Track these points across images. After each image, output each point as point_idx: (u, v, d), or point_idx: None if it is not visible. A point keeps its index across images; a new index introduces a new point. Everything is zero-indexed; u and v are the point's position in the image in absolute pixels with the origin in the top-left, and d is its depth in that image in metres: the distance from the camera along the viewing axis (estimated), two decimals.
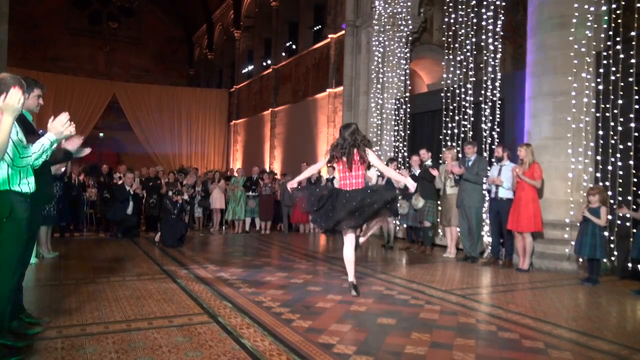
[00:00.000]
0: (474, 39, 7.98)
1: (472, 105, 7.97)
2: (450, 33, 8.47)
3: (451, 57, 8.59)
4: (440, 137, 8.52)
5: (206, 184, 11.23)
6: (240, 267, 6.01)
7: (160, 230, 8.14)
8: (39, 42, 22.04)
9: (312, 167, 4.99)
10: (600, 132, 6.13)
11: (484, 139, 7.56)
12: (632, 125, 5.84)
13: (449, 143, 8.26)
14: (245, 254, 7.30)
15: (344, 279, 5.34)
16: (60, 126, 2.86)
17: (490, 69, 7.58)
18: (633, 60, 5.84)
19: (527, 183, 6.10)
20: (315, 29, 15.46)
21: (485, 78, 7.66)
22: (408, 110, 9.66)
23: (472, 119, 7.96)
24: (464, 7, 8.16)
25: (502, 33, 7.55)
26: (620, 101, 5.94)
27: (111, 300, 4.20)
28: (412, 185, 4.38)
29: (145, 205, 10.22)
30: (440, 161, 7.85)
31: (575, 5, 6.25)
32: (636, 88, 5.83)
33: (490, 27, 7.59)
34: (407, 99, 9.78)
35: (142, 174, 10.93)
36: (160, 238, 7.94)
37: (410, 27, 10.09)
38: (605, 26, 6.26)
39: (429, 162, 7.68)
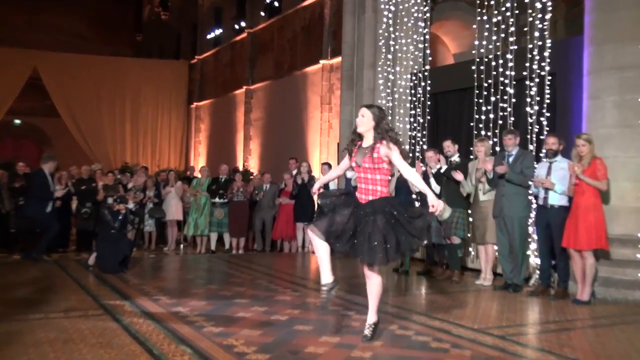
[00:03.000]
0: None
1: (514, 82, 7.96)
2: None
3: (485, 18, 8.58)
4: (471, 124, 8.46)
5: (158, 188, 11.17)
6: (203, 299, 6.04)
7: (96, 250, 8.16)
8: None
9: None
10: None
11: (529, 127, 7.55)
12: None
13: (482, 132, 8.18)
14: (210, 281, 7.34)
15: (344, 314, 5.35)
16: None
17: (537, 34, 7.59)
18: None
19: (588, 185, 6.08)
20: None
21: (530, 46, 7.64)
22: (428, 88, 9.60)
23: (513, 100, 7.94)
24: None
25: None
26: None
27: (29, 345, 4.16)
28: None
29: (77, 216, 10.12)
30: (472, 156, 7.82)
31: None
32: None
33: None
34: (426, 73, 9.70)
35: (73, 175, 10.81)
36: (95, 261, 7.95)
37: None
38: None
39: (455, 158, 7.64)
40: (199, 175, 11.06)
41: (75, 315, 5.14)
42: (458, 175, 7.34)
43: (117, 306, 5.56)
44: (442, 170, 7.62)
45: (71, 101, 19.66)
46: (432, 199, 4.24)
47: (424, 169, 7.93)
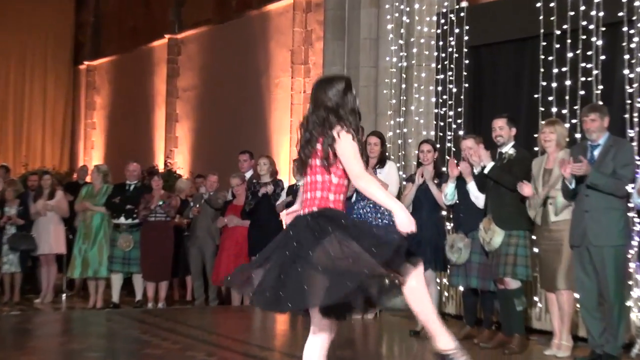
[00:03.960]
0: None
1: (602, 29, 7.82)
2: None
3: None
4: (535, 96, 8.34)
5: (25, 202, 11.24)
6: None
7: None
8: None
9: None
10: None
11: (628, 101, 7.50)
12: None
13: (552, 110, 8.05)
14: (112, 354, 7.37)
15: None
16: None
17: None
18: None
19: None
20: None
21: None
22: (465, 38, 9.51)
23: (601, 57, 7.83)
24: None
25: None
26: None
27: None
28: (407, 225, 4.15)
29: None
30: (536, 148, 7.66)
31: None
32: None
33: None
34: (462, 14, 9.60)
35: None
36: None
37: None
38: None
39: (509, 149, 7.42)
40: (92, 180, 11.05)
41: None
42: (526, 189, 7.06)
43: None
44: (485, 170, 7.37)
45: None
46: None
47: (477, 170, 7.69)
